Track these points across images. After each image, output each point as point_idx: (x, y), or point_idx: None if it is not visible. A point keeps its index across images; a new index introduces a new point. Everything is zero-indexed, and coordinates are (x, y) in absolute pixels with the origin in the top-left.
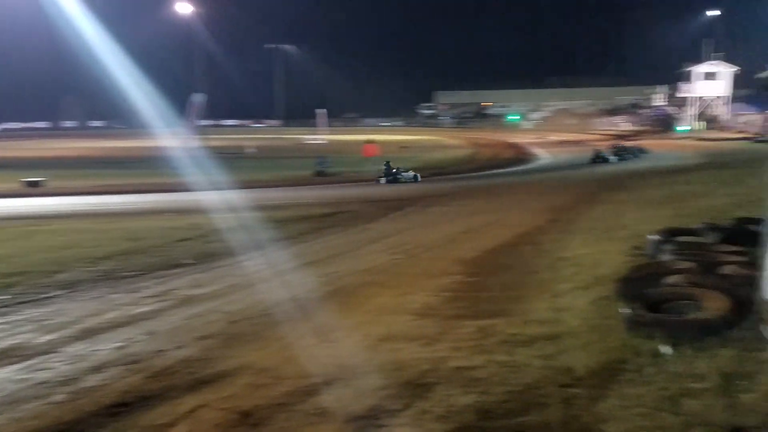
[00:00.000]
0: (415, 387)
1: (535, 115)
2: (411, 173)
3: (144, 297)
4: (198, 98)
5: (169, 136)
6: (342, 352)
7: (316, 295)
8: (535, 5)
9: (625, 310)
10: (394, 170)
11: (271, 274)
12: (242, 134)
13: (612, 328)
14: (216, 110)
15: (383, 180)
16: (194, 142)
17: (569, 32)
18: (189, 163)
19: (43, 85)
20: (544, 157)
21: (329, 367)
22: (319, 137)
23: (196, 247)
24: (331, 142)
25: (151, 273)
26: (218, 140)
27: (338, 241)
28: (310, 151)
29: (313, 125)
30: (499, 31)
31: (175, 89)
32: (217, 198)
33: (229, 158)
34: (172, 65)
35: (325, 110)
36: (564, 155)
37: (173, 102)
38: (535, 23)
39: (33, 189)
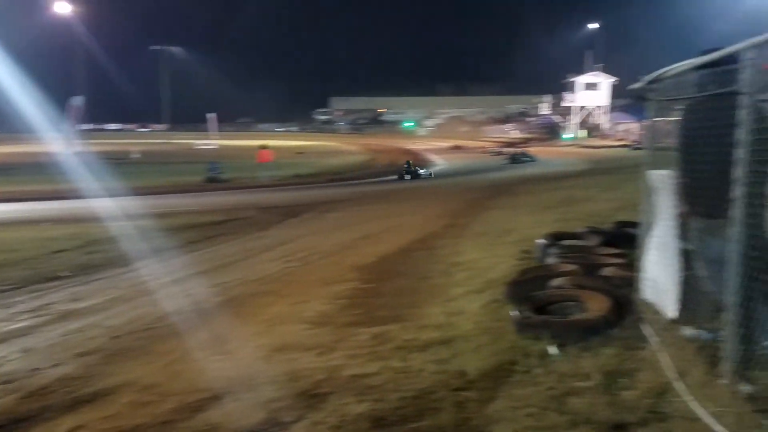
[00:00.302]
0: (309, 397)
1: (429, 122)
2: (427, 171)
3: (18, 312)
4: (77, 101)
5: (50, 141)
6: (234, 364)
7: (207, 306)
8: (429, 15)
9: (515, 313)
10: (414, 169)
11: (159, 286)
12: (128, 138)
13: (503, 330)
14: (100, 114)
15: (407, 177)
16: (76, 147)
17: (461, 42)
18: (71, 169)
19: None
20: (439, 163)
21: (220, 381)
22: (210, 142)
23: (75, 259)
24: (223, 148)
25: (26, 287)
26: (102, 145)
27: (231, 249)
28: (200, 157)
29: (203, 130)
30: (393, 38)
31: (57, 92)
32: (100, 206)
33: (114, 164)
34: (54, 67)
35: (214, 114)
36: (458, 161)
37: (55, 106)
38: (429, 33)
39: None
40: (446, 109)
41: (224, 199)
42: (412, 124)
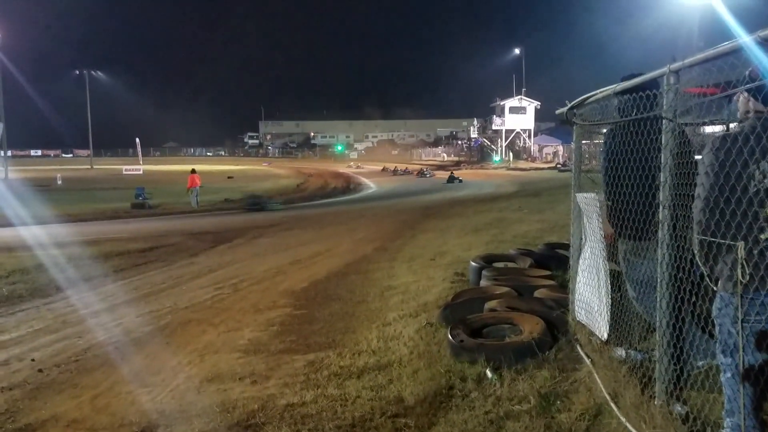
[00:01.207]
0: (243, 429)
1: (360, 146)
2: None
3: None
4: None
5: None
6: (164, 396)
7: (136, 335)
8: (359, 39)
9: (449, 337)
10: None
11: (86, 315)
12: (51, 165)
13: (439, 354)
14: (22, 140)
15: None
16: None
17: (389, 66)
18: None
19: None
20: (370, 186)
21: (149, 414)
22: (136, 167)
23: None
24: (150, 173)
25: None
26: (25, 171)
27: (160, 276)
28: (127, 182)
29: (128, 155)
30: (322, 62)
31: None
32: (24, 234)
33: (38, 190)
34: None
35: (138, 139)
36: (389, 184)
37: None
38: (358, 57)
39: None
40: (376, 132)
41: (152, 225)
42: (343, 147)
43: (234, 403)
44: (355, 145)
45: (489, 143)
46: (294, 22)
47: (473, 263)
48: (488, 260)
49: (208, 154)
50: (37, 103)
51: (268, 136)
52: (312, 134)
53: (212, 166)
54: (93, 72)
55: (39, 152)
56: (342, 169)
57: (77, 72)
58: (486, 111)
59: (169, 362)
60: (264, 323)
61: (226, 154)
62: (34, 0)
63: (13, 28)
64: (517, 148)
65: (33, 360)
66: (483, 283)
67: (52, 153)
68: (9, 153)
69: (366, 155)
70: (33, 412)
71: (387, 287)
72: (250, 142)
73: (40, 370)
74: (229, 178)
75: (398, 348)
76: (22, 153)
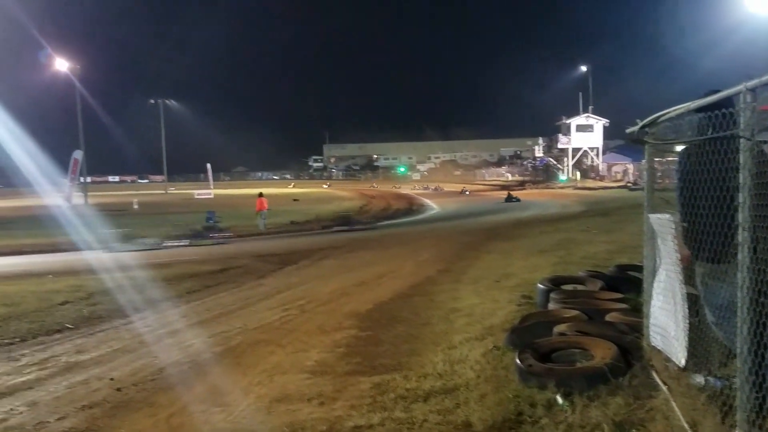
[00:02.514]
0: None
1: (422, 167)
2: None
3: (24, 365)
4: (78, 155)
5: (51, 194)
6: (235, 416)
7: (207, 356)
8: (420, 60)
9: (517, 361)
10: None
11: (160, 336)
12: (127, 190)
13: (506, 379)
14: (100, 167)
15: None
16: (77, 199)
17: (451, 86)
18: (71, 221)
19: None
20: (433, 207)
21: None
22: (207, 192)
23: (79, 311)
24: (219, 197)
25: (32, 339)
26: (103, 197)
27: (230, 298)
28: (198, 206)
29: (200, 180)
30: (384, 85)
31: (57, 147)
32: (99, 258)
33: (114, 215)
34: (53, 122)
35: (209, 165)
36: (452, 205)
37: (55, 159)
38: (419, 78)
39: None
40: (438, 152)
41: (222, 247)
42: (405, 168)
43: (302, 424)
44: (418, 167)
45: (555, 162)
46: (356, 48)
47: (540, 285)
48: (556, 282)
49: (275, 177)
50: (115, 131)
51: (332, 159)
52: (375, 156)
53: (279, 190)
54: (167, 101)
55: (117, 178)
56: (405, 190)
57: (152, 101)
58: (551, 130)
59: (240, 382)
60: (330, 345)
61: (292, 177)
62: (110, 34)
63: (90, 60)
64: (585, 166)
65: (112, 379)
66: (551, 306)
67: (129, 179)
68: (89, 179)
69: (428, 176)
70: (112, 430)
71: (452, 309)
72: (315, 165)
73: (118, 389)
74: (294, 200)
75: (464, 372)
76: (100, 179)
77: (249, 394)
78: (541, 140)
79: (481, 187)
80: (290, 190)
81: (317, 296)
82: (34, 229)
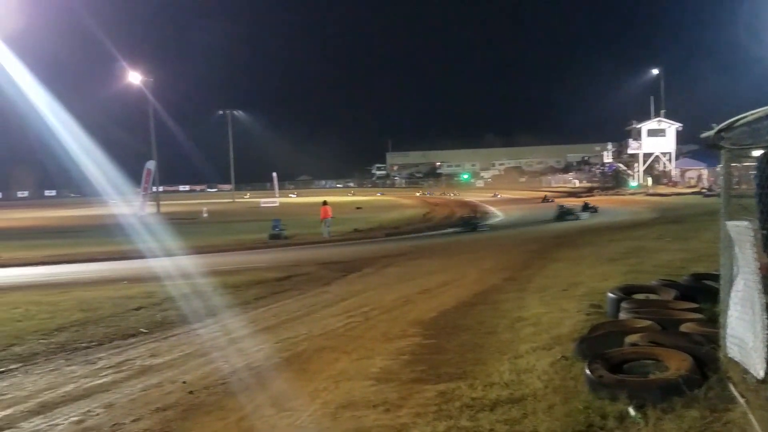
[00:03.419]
0: None
1: (486, 174)
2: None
3: (100, 368)
4: (150, 165)
5: (123, 203)
6: (302, 421)
7: (273, 362)
8: (483, 67)
9: (587, 371)
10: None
11: (227, 342)
12: (196, 199)
13: (575, 389)
14: (170, 176)
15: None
16: (148, 208)
17: (514, 92)
18: (143, 229)
19: None
20: (497, 214)
21: None
22: (273, 200)
23: (150, 316)
24: (284, 205)
25: (108, 343)
26: (174, 205)
27: (295, 305)
28: (263, 215)
29: (265, 188)
30: (446, 92)
31: (127, 157)
32: (171, 264)
33: (185, 223)
34: (124, 133)
35: (275, 174)
36: (517, 212)
37: (126, 170)
38: (482, 84)
39: None
40: (502, 159)
41: (288, 255)
42: (468, 176)
43: (368, 430)
44: (481, 173)
45: (624, 168)
46: (420, 55)
47: (611, 294)
48: (627, 291)
49: (338, 185)
50: (185, 141)
51: (395, 167)
52: (438, 164)
53: (342, 198)
54: (234, 112)
55: (187, 187)
56: (468, 198)
57: (221, 112)
58: (621, 135)
59: (306, 388)
60: (394, 352)
61: (355, 186)
62: (180, 47)
63: (161, 72)
64: (656, 172)
65: (184, 382)
66: (622, 315)
67: (198, 188)
68: (160, 188)
69: (493, 183)
70: None
71: (517, 318)
72: (378, 173)
73: (190, 392)
74: (357, 209)
75: (532, 381)
76: (171, 188)
77: (315, 399)
78: (610, 145)
79: (548, 194)
80: (353, 198)
81: (381, 304)
82: (109, 237)
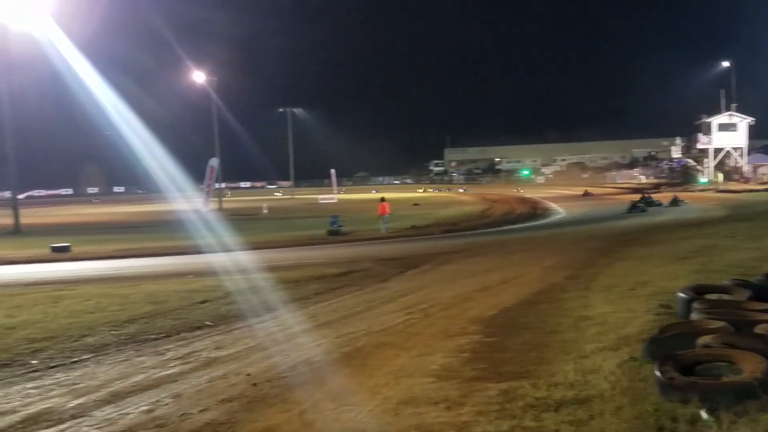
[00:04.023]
0: None
1: (547, 170)
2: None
3: (169, 359)
4: (213, 162)
5: (187, 199)
6: (364, 416)
7: (333, 357)
8: (544, 61)
9: (657, 373)
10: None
11: (288, 336)
12: (256, 195)
13: (644, 391)
14: (230, 173)
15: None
16: (211, 204)
17: (577, 86)
18: (206, 225)
19: (67, 153)
20: (558, 211)
21: None
22: (331, 196)
23: (215, 310)
24: (343, 201)
25: (175, 335)
26: (233, 202)
27: (354, 300)
28: (322, 211)
29: (324, 185)
30: (505, 87)
31: (191, 154)
32: (233, 259)
33: (246, 219)
34: (188, 131)
35: (333, 170)
36: (579, 209)
37: (190, 167)
38: (543, 78)
39: (60, 254)
40: (564, 154)
41: (345, 251)
42: (528, 172)
43: (430, 427)
44: (542, 169)
45: (694, 163)
46: (477, 51)
47: (681, 294)
48: (698, 291)
49: (395, 182)
50: (246, 139)
51: (453, 163)
52: (497, 159)
53: (399, 194)
54: (294, 109)
55: (248, 184)
56: (528, 194)
57: (281, 110)
58: (689, 129)
59: (367, 383)
60: (454, 349)
61: (412, 182)
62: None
63: (224, 71)
64: (727, 168)
65: (248, 375)
66: (693, 316)
67: (259, 184)
68: (222, 185)
69: (554, 179)
70: (249, 423)
71: (582, 317)
72: (435, 169)
73: (254, 385)
74: (415, 205)
75: (598, 382)
76: (233, 185)
77: (376, 395)
78: (678, 140)
79: (611, 190)
80: (411, 194)
81: (440, 300)
82: (174, 233)
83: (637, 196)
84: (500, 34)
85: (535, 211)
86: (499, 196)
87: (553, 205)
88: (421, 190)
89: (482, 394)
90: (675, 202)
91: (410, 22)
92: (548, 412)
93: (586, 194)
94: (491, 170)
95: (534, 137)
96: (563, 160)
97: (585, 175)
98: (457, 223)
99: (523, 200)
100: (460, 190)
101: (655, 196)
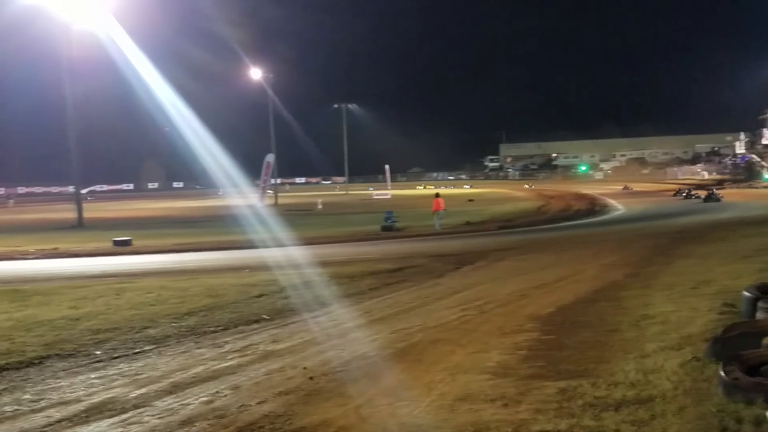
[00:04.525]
0: None
1: (605, 165)
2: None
3: (227, 352)
4: (270, 158)
5: (243, 195)
6: (420, 411)
7: (388, 352)
8: (600, 55)
9: (721, 374)
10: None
11: (343, 330)
12: (312, 191)
13: (707, 392)
14: (286, 169)
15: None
16: (267, 200)
17: (635, 79)
18: (262, 220)
19: (128, 149)
20: (617, 208)
21: (409, 427)
22: (385, 192)
23: (271, 303)
24: (396, 197)
25: (233, 328)
26: (289, 197)
27: (408, 296)
28: (376, 206)
29: (377, 180)
30: (562, 81)
31: (247, 150)
32: (288, 254)
33: (299, 215)
34: (244, 127)
35: (387, 166)
36: (639, 206)
37: (246, 162)
38: (600, 72)
39: (122, 248)
40: (624, 150)
41: (399, 247)
42: (587, 167)
43: (487, 424)
44: (601, 165)
45: (759, 159)
46: (533, 45)
47: (747, 293)
48: (764, 290)
49: (450, 177)
50: (301, 135)
51: (509, 159)
52: (554, 155)
53: (454, 190)
54: (348, 105)
55: (303, 180)
56: (586, 190)
57: (336, 106)
58: (754, 124)
59: (422, 379)
60: (511, 346)
61: (467, 178)
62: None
63: (280, 67)
64: None
65: (305, 368)
66: (759, 315)
67: (313, 180)
68: (278, 180)
69: (613, 175)
70: (306, 416)
71: (642, 316)
72: (491, 165)
73: (310, 378)
74: (469, 201)
75: (660, 382)
76: (288, 181)
77: (432, 391)
78: (742, 135)
79: (673, 186)
80: (465, 190)
81: (495, 297)
82: (231, 227)
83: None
84: (557, 27)
85: (592, 207)
86: (555, 192)
87: (612, 202)
88: (468, 187)
89: (540, 392)
90: (710, 197)
91: (465, 16)
92: (608, 412)
93: (625, 189)
94: (548, 166)
95: (592, 132)
96: (623, 155)
97: (645, 171)
98: (512, 220)
99: (581, 196)
100: (526, 187)
101: (720, 193)
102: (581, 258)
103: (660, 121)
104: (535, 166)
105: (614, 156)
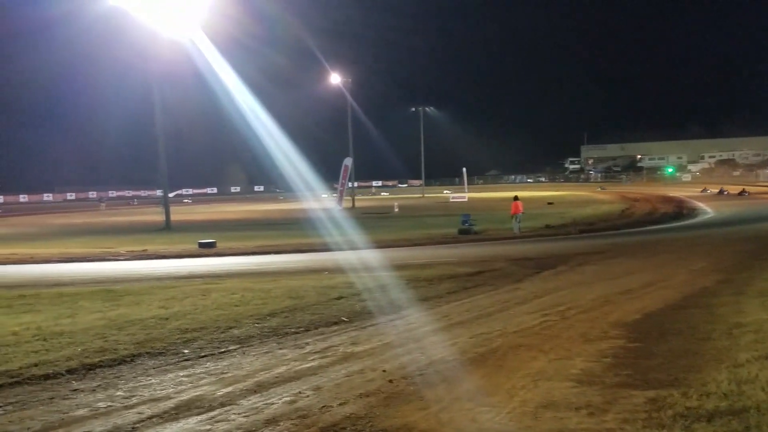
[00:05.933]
0: None
1: (693, 167)
2: None
3: (308, 353)
4: (348, 162)
5: (321, 198)
6: (502, 417)
7: (468, 356)
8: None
9: None
10: None
11: (422, 334)
12: (388, 194)
13: None
14: (363, 172)
15: None
16: (344, 203)
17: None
18: (340, 223)
19: (212, 155)
20: (707, 211)
21: None
22: (462, 195)
23: (350, 306)
24: (473, 200)
25: (313, 330)
26: (368, 201)
27: (487, 300)
28: (452, 209)
29: (454, 183)
30: (645, 81)
31: (325, 153)
32: (367, 257)
33: (376, 218)
34: (322, 131)
35: (464, 169)
36: (730, 209)
37: (324, 166)
38: (691, 71)
39: (207, 250)
40: (713, 151)
41: (477, 250)
42: (673, 169)
43: None
44: (689, 167)
45: None
46: (615, 43)
47: None
48: None
49: (528, 180)
50: (378, 138)
51: (590, 161)
52: (638, 156)
53: (533, 193)
54: (426, 108)
55: (380, 183)
56: (673, 193)
57: (413, 109)
58: None
59: (504, 385)
60: (595, 354)
61: (546, 180)
62: (373, 47)
63: (358, 72)
64: None
65: (384, 371)
66: None
67: (390, 183)
68: (356, 184)
69: (702, 177)
70: (387, 419)
71: (735, 324)
72: (571, 167)
73: (390, 381)
74: (549, 204)
75: (755, 393)
76: (365, 184)
77: (514, 397)
78: None
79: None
80: (545, 193)
81: (578, 303)
82: (311, 230)
83: None
84: (640, 26)
85: (680, 210)
86: (640, 195)
87: (701, 205)
88: (599, 189)
89: (627, 402)
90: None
91: (543, 17)
92: (700, 423)
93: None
94: (632, 168)
95: (678, 132)
96: (711, 156)
97: (736, 173)
98: (594, 223)
99: (667, 199)
100: (598, 190)
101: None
102: (668, 263)
103: (749, 120)
104: (618, 168)
105: (702, 157)
